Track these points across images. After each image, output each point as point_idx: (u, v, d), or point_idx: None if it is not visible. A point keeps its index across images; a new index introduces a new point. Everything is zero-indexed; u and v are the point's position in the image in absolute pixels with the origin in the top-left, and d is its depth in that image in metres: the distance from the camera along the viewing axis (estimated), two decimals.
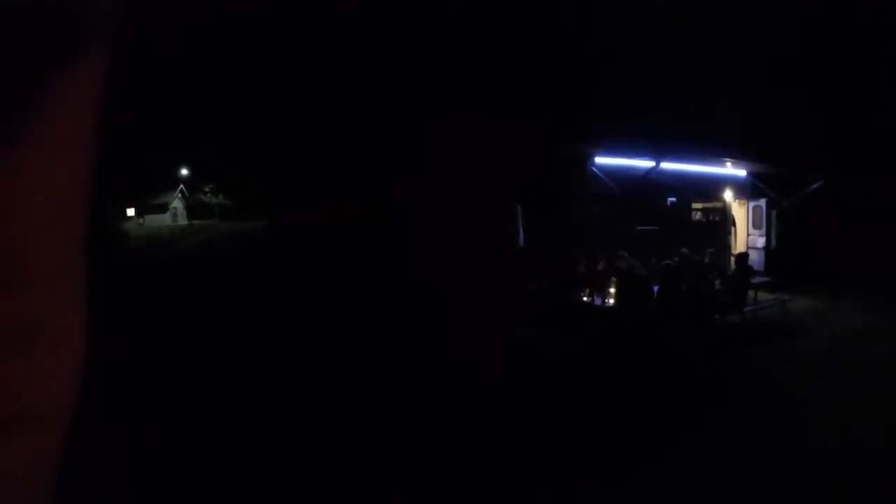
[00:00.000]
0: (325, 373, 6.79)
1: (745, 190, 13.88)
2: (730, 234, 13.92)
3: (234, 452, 4.66)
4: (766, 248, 13.63)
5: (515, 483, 4.25)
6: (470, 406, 5.58)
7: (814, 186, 13.20)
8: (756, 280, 9.79)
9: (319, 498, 4.11)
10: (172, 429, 5.08)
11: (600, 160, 10.46)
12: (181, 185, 51.81)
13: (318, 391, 6.16)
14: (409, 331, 8.17)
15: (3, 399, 0.39)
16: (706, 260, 9.97)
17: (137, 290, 13.82)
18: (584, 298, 8.87)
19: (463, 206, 10.71)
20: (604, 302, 8.61)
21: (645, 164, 10.54)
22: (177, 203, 50.99)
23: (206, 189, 53.49)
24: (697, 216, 14.32)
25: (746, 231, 14.10)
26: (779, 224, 13.92)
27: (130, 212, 45.74)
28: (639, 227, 11.33)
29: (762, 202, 13.74)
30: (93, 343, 0.47)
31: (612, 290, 8.61)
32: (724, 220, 13.93)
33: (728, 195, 13.70)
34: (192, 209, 51.61)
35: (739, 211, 14.13)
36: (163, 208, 49.20)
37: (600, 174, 10.33)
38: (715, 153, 12.14)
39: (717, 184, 13.51)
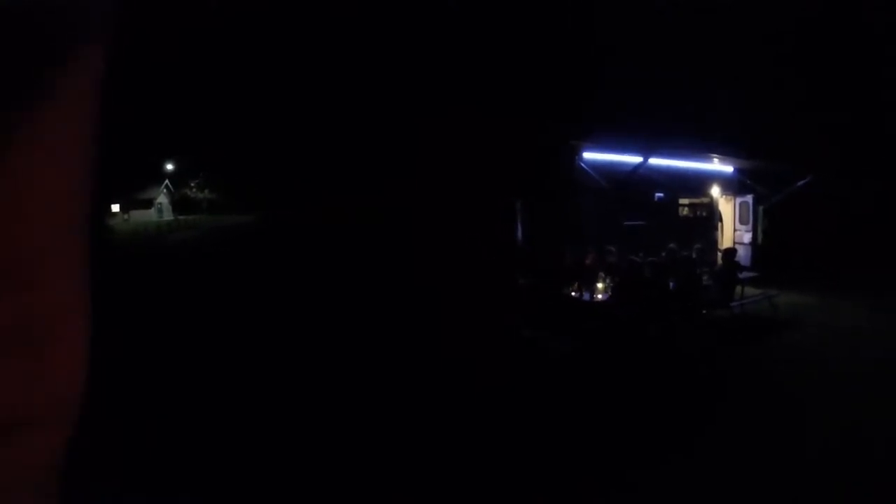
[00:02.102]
0: (324, 372, 6.76)
1: (733, 186, 13.99)
2: (717, 229, 14.01)
3: (233, 453, 4.62)
4: (753, 243, 13.74)
5: (515, 483, 4.23)
6: (470, 406, 5.57)
7: (801, 183, 13.31)
8: (743, 275, 9.85)
9: (319, 498, 4.08)
10: (171, 429, 5.03)
11: (588, 155, 10.49)
12: (166, 181, 51.53)
13: (318, 390, 6.13)
14: (409, 330, 8.15)
15: (7, 399, 0.39)
16: (693, 255, 10.01)
17: (122, 288, 13.70)
18: (573, 293, 8.87)
19: (459, 204, 10.70)
20: (592, 297, 8.61)
21: (633, 159, 10.57)
22: (162, 198, 50.72)
23: (193, 184, 53.30)
24: (685, 212, 14.40)
25: (733, 227, 14.20)
26: (765, 220, 14.04)
27: (115, 207, 45.50)
28: (626, 223, 11.36)
29: (749, 198, 13.84)
30: (93, 343, 0.46)
31: (600, 286, 8.62)
32: (712, 216, 14.02)
33: (715, 191, 13.79)
34: (178, 204, 51.36)
35: (726, 207, 14.23)
36: (148, 204, 48.92)
37: (588, 169, 10.36)
38: (703, 149, 12.21)
39: (705, 180, 13.59)
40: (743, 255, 12.96)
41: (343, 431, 5.05)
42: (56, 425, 0.44)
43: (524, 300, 9.01)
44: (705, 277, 9.10)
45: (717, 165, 13.21)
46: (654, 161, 10.92)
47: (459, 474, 4.32)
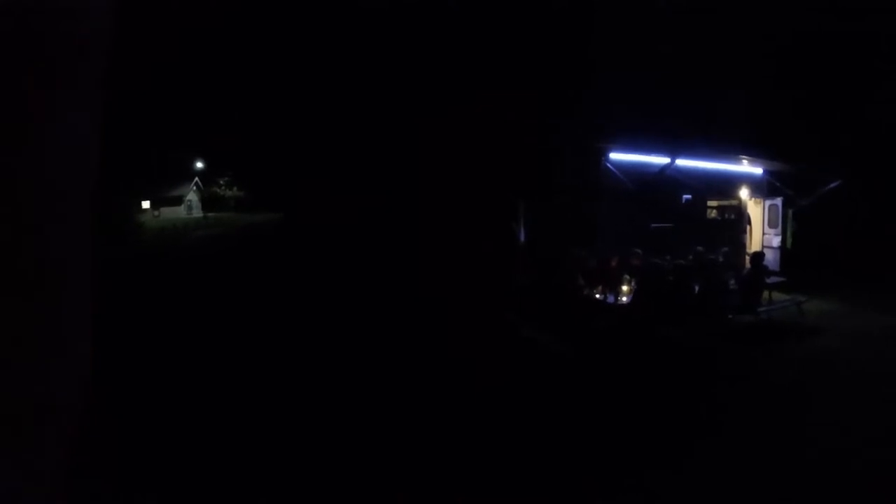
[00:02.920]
0: (327, 372, 6.80)
1: (762, 188, 13.74)
2: (745, 232, 13.78)
3: (234, 452, 4.68)
4: (782, 247, 13.50)
5: (517, 484, 4.23)
6: (474, 405, 5.57)
7: (831, 186, 13.03)
8: (771, 280, 9.68)
9: (320, 497, 4.11)
10: (175, 427, 5.10)
11: (615, 156, 10.39)
12: (196, 178, 52.22)
13: (320, 391, 6.17)
14: (414, 330, 8.18)
15: (11, 395, 0.40)
16: (720, 259, 9.88)
17: (142, 283, 13.95)
18: (598, 296, 8.82)
19: (473, 203, 10.70)
20: (616, 299, 8.56)
21: (660, 160, 10.45)
22: (192, 195, 51.41)
23: (221, 182, 54.00)
24: (712, 214, 14.18)
25: (762, 230, 13.95)
26: (795, 223, 13.78)
27: (146, 204, 46.28)
28: (653, 225, 11.23)
29: (778, 201, 13.59)
30: (101, 337, 0.47)
31: (625, 288, 8.56)
32: (740, 219, 13.80)
33: (744, 193, 13.56)
34: (207, 201, 52.07)
35: (755, 209, 13.99)
36: (178, 201, 49.61)
37: (615, 170, 10.26)
38: (731, 150, 12.02)
39: (733, 182, 13.37)
40: (772, 259, 12.74)
41: (346, 430, 5.09)
42: (60, 424, 0.45)
43: (527, 300, 8.98)
44: (731, 282, 8.97)
45: (746, 167, 12.99)
46: (682, 162, 10.77)
47: (462, 474, 4.33)
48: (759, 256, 9.44)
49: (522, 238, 10.42)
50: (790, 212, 13.67)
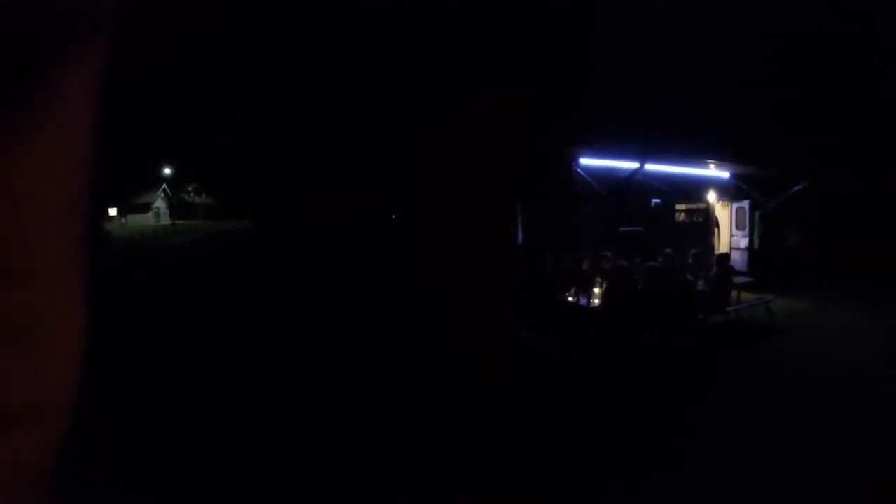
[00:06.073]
0: (324, 374, 6.74)
1: (729, 191, 14.01)
2: (713, 235, 14.03)
3: (233, 452, 4.61)
4: (749, 248, 13.76)
5: (517, 484, 4.23)
6: (473, 405, 5.56)
7: (797, 188, 13.33)
8: (739, 280, 9.85)
9: (320, 498, 4.07)
10: (170, 430, 5.01)
11: (585, 161, 10.50)
12: (164, 185, 51.48)
13: (319, 392, 6.12)
14: (410, 331, 8.15)
15: (3, 394, 0.39)
16: (690, 261, 10.02)
17: (117, 291, 13.68)
18: (570, 298, 8.88)
19: (472, 203, 10.72)
20: (588, 302, 8.63)
21: (629, 165, 10.58)
22: (160, 203, 50.68)
23: (190, 188, 53.32)
24: (681, 217, 14.41)
25: (730, 232, 14.23)
26: (762, 225, 14.06)
27: (112, 211, 45.46)
28: (623, 228, 11.37)
29: (745, 203, 13.87)
30: (88, 343, 0.46)
31: (596, 291, 8.63)
32: (708, 221, 14.05)
33: (711, 196, 13.81)
34: (176, 209, 51.35)
35: (723, 212, 14.26)
36: (145, 208, 48.86)
37: (585, 175, 10.37)
38: (699, 155, 12.22)
39: (701, 185, 13.62)
40: (739, 260, 13.01)
41: (344, 431, 5.05)
42: (48, 423, 0.45)
43: (522, 302, 9.03)
44: (700, 283, 9.11)
45: (714, 171, 13.24)
46: (651, 167, 10.93)
47: (460, 474, 4.32)
48: (724, 258, 9.60)
49: (520, 238, 10.49)
50: (757, 214, 13.95)
